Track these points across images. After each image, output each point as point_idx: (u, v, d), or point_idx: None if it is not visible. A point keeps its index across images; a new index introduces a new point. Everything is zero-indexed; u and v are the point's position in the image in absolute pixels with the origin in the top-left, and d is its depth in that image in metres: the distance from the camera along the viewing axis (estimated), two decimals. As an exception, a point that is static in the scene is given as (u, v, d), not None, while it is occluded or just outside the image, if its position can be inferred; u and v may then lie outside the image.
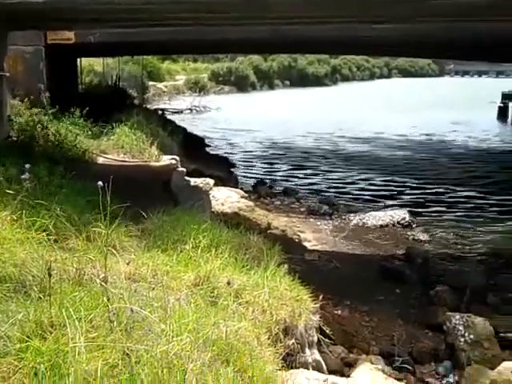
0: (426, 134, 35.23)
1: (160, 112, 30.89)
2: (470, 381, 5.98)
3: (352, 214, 14.92)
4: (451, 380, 6.24)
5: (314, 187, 19.48)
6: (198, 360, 3.42)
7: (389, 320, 7.68)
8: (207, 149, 26.73)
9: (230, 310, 4.31)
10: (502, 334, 7.80)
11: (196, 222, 6.21)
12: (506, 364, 5.46)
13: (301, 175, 21.87)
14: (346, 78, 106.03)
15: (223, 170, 19.39)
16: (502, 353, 7.07)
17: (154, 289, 4.42)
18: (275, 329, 4.44)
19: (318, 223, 14.10)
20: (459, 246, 13.20)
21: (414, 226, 14.30)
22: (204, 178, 13.80)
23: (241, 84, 73.47)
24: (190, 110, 45.43)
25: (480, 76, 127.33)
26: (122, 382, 3.10)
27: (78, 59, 25.11)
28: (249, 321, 4.31)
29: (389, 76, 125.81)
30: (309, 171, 22.72)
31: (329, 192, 18.62)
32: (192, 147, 21.36)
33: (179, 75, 67.59)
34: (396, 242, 13.00)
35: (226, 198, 12.38)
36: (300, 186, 19.66)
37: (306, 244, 11.64)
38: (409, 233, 13.69)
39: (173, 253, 5.36)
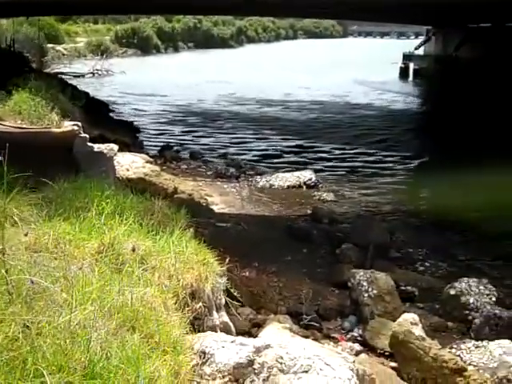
0: (332, 95, 35.80)
1: (60, 76, 29.76)
2: (373, 333, 6.21)
3: (259, 176, 15.02)
4: (356, 334, 6.46)
5: (221, 150, 19.45)
6: (102, 328, 3.36)
7: (296, 279, 7.83)
8: (111, 114, 26.07)
9: (135, 276, 4.24)
10: (402, 288, 8.16)
11: (99, 189, 6.04)
12: (405, 315, 5.69)
13: (208, 139, 21.78)
14: (251, 40, 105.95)
15: (128, 136, 18.95)
16: (403, 305, 7.39)
17: (56, 259, 4.28)
18: (182, 293, 4.41)
19: (226, 186, 14.12)
20: (364, 205, 13.58)
21: (320, 186, 14.57)
22: (108, 144, 13.42)
23: (144, 46, 71.85)
24: (93, 73, 44.02)
25: (382, 37, 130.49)
26: (23, 355, 3.00)
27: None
28: (155, 286, 4.26)
29: (294, 37, 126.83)
30: (216, 134, 22.65)
31: (236, 155, 18.66)
32: (95, 112, 20.75)
33: (80, 37, 65.36)
34: (303, 202, 13.21)
35: (130, 164, 12.12)
36: (207, 149, 19.59)
37: (213, 207, 11.63)
38: (315, 193, 13.93)
39: (75, 221, 5.19)
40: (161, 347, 3.53)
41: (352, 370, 3.96)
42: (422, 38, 52.43)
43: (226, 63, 57.86)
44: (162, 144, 19.64)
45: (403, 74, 48.61)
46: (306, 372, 3.76)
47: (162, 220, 5.79)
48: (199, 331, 4.36)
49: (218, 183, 14.43)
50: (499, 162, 16.88)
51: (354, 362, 4.23)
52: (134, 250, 4.63)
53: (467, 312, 7.57)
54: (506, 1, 19.95)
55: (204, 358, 3.90)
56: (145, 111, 28.70)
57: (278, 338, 4.18)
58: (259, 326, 5.77)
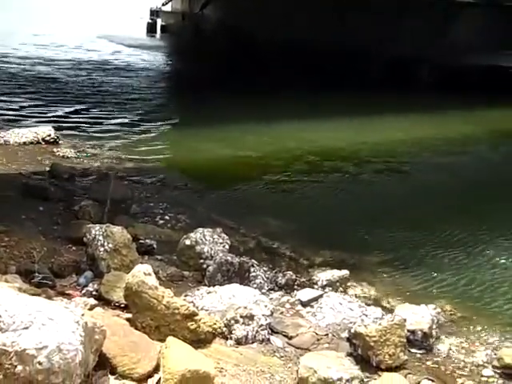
0: (76, 51, 34.72)
1: None
2: (108, 287, 6.19)
3: (-10, 133, 14.00)
4: (91, 289, 6.37)
5: None
6: None
7: (30, 238, 7.49)
8: None
9: None
10: (141, 241, 8.26)
11: None
12: (138, 266, 5.73)
13: None
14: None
15: None
16: (140, 258, 7.47)
17: None
18: None
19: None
20: (106, 161, 13.41)
21: (60, 142, 14.05)
22: None
23: None
24: None
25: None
26: None
27: None
28: None
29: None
30: None
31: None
32: None
33: None
34: (41, 159, 12.62)
35: None
36: None
37: None
38: (55, 149, 13.39)
39: None
40: None
41: (78, 322, 3.92)
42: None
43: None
44: None
45: (151, 29, 48.72)
46: (27, 328, 3.64)
47: None
48: None
49: None
50: (248, 116, 17.90)
51: (82, 315, 4.19)
52: None
53: (202, 261, 7.90)
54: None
55: None
56: None
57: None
58: (-16, 287, 5.42)
